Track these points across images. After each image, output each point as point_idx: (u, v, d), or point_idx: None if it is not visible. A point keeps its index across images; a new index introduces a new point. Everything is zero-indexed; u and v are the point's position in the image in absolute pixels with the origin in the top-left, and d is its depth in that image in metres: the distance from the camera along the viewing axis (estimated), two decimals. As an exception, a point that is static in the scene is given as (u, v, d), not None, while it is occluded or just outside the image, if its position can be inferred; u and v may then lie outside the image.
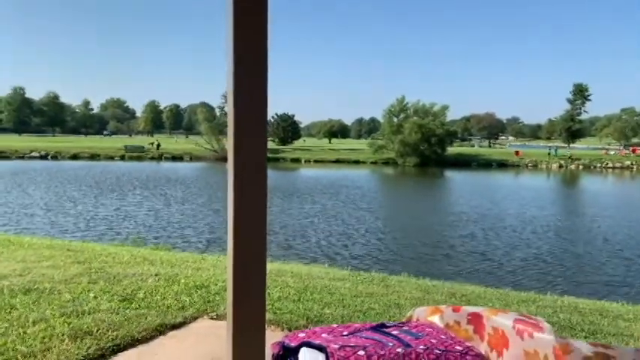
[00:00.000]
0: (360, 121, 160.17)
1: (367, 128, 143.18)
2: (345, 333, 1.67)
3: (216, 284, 4.45)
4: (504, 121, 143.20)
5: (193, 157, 54.50)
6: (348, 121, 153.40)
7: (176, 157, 55.24)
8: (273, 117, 72.82)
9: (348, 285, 5.12)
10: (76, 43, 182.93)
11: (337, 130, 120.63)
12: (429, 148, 55.26)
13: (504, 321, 1.68)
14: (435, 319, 1.89)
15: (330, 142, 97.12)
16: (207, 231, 15.09)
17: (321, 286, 4.91)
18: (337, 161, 55.91)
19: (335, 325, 1.76)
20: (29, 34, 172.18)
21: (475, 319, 1.79)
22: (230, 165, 1.92)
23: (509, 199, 26.48)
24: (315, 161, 55.77)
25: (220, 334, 3.14)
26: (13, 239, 7.26)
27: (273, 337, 2.06)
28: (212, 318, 3.51)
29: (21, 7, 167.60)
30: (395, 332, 1.70)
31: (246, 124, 1.90)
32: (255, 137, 1.93)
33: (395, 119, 60.62)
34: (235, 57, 1.88)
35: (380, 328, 1.77)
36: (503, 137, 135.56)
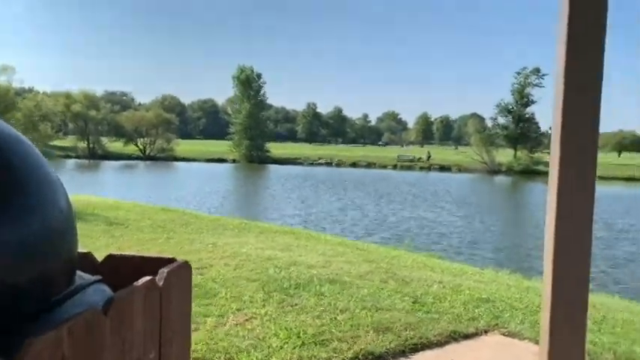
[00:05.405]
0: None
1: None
2: None
3: (502, 300, 4.34)
4: None
5: (462, 169, 54.29)
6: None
7: (444, 168, 55.81)
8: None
9: (657, 324, 4.45)
10: (359, 65, 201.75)
11: (629, 144, 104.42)
12: None
13: None
14: None
15: (619, 157, 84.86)
16: (483, 245, 14.81)
17: (622, 319, 4.38)
18: (630, 179, 48.48)
19: None
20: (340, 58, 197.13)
21: None
22: (552, 184, 1.85)
23: None
24: (600, 177, 49.40)
25: (515, 352, 3.06)
26: (313, 234, 8.38)
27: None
28: (503, 334, 3.43)
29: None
30: None
31: (575, 138, 1.80)
32: (585, 155, 1.81)
33: None
34: (567, 60, 1.81)
35: None
36: None
